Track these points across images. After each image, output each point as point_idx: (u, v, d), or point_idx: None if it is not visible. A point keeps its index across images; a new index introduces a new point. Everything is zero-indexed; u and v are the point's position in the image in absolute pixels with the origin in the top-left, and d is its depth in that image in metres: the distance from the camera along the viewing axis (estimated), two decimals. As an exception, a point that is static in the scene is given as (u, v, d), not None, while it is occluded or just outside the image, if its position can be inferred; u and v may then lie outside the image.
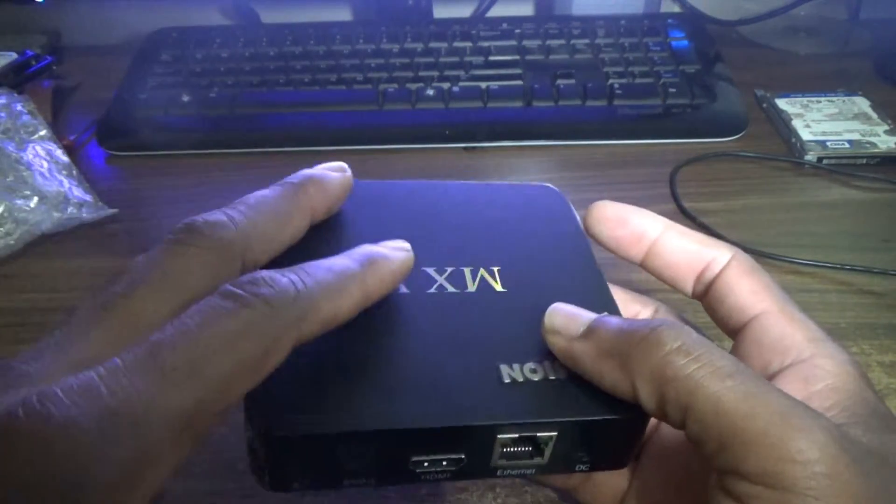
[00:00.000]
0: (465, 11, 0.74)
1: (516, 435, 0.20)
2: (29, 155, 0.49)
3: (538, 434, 0.20)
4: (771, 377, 0.22)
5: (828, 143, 0.52)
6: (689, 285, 0.26)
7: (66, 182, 0.48)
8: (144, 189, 0.52)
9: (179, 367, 0.16)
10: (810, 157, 0.51)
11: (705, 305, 0.26)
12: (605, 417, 0.21)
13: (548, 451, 0.21)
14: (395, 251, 0.22)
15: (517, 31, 0.63)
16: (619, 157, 0.54)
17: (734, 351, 0.24)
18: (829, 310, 0.39)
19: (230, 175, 0.53)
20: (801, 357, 0.21)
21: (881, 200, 0.48)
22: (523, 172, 0.53)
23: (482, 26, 0.64)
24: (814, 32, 0.71)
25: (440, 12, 0.72)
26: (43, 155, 0.49)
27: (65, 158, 0.50)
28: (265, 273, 0.18)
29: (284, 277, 0.18)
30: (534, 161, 0.54)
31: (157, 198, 0.51)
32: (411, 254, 0.22)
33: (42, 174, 0.48)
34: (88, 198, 0.48)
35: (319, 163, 0.25)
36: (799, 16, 0.71)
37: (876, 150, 0.51)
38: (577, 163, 0.53)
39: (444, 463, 0.20)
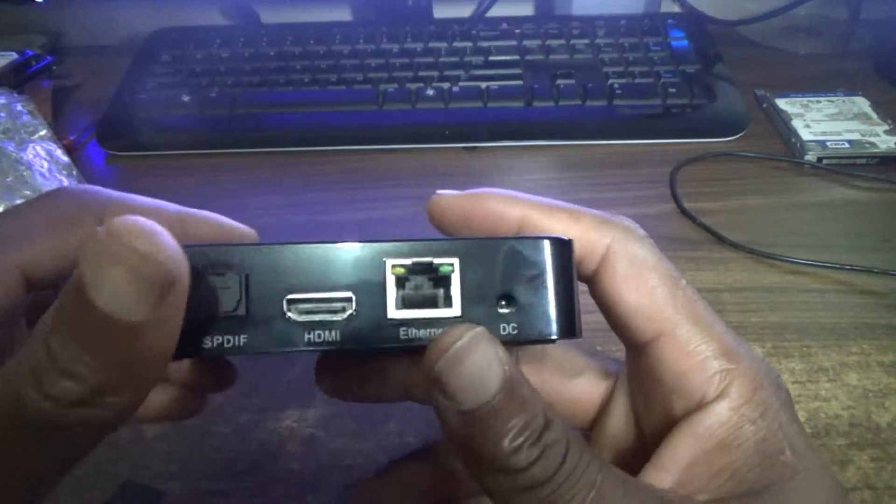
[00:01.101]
0: (465, 11, 0.74)
1: (409, 261, 0.18)
2: (29, 155, 0.49)
3: (436, 262, 0.18)
4: (672, 422, 0.20)
5: (828, 143, 0.52)
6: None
7: (66, 182, 0.48)
8: (144, 189, 0.52)
9: None
10: (810, 157, 0.51)
11: (594, 297, 0.22)
12: (518, 235, 0.18)
13: (455, 293, 0.18)
14: (238, 225, 0.24)
15: (517, 31, 0.63)
16: (619, 157, 0.54)
17: (632, 382, 0.22)
18: (829, 310, 0.39)
19: (230, 175, 0.53)
20: (707, 398, 0.19)
21: (881, 200, 0.48)
22: (523, 172, 0.53)
23: (482, 26, 0.64)
24: (814, 32, 0.71)
25: (440, 12, 0.72)
26: (43, 155, 0.49)
27: (65, 158, 0.50)
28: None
29: (98, 188, 0.22)
30: (534, 161, 0.54)
31: (157, 198, 0.51)
32: (253, 232, 0.24)
33: (42, 174, 0.48)
34: (88, 198, 0.48)
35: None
36: (799, 16, 0.71)
37: (876, 150, 0.51)
38: (577, 163, 0.53)
39: (329, 314, 0.18)
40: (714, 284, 0.41)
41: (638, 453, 0.22)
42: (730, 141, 0.55)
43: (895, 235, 0.45)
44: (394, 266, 0.18)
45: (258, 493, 0.31)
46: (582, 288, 0.20)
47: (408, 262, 0.18)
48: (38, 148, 0.50)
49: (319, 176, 0.53)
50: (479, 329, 0.16)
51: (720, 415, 0.19)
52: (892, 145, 0.51)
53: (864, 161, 0.51)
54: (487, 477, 0.16)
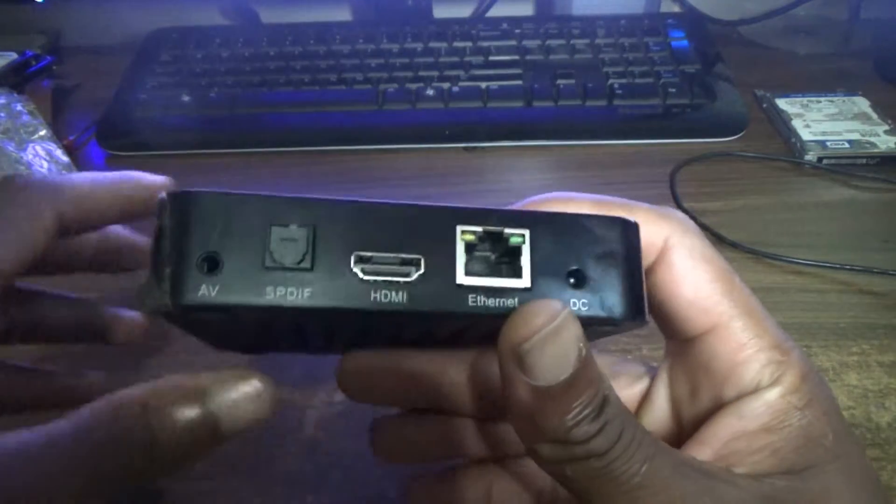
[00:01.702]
0: (465, 11, 0.74)
1: (480, 229, 0.18)
2: (29, 155, 0.49)
3: (507, 232, 0.18)
4: (720, 407, 0.21)
5: (828, 143, 0.52)
6: None
7: (66, 182, 0.48)
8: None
9: None
10: (810, 157, 0.51)
11: None
12: (588, 213, 0.18)
13: (525, 264, 0.18)
14: (158, 177, 0.25)
15: (517, 31, 0.63)
16: (619, 157, 0.54)
17: (676, 374, 0.23)
18: (829, 310, 0.39)
19: (231, 175, 0.53)
20: (761, 385, 0.20)
21: (881, 200, 0.48)
22: (523, 172, 0.53)
23: (482, 26, 0.64)
24: (814, 32, 0.71)
25: (440, 12, 0.72)
26: (43, 155, 0.49)
27: (65, 158, 0.50)
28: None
29: (37, 177, 0.24)
30: (534, 161, 0.54)
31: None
32: (172, 181, 0.25)
33: (42, 174, 0.48)
34: (88, 198, 0.48)
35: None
36: (799, 16, 0.71)
37: (876, 150, 0.51)
38: (577, 163, 0.53)
39: (397, 272, 0.17)
40: (714, 284, 0.41)
41: (674, 446, 0.22)
42: (730, 141, 0.55)
43: (895, 235, 0.45)
44: (464, 232, 0.18)
45: (258, 493, 0.31)
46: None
47: (479, 229, 0.18)
48: (38, 148, 0.50)
49: (319, 176, 0.53)
50: (567, 310, 0.16)
51: (769, 400, 0.20)
52: (892, 145, 0.51)
53: (864, 161, 0.51)
54: (543, 446, 0.17)
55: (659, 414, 0.23)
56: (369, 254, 0.17)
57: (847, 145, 0.52)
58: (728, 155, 0.53)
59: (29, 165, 0.48)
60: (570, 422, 0.16)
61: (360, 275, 0.17)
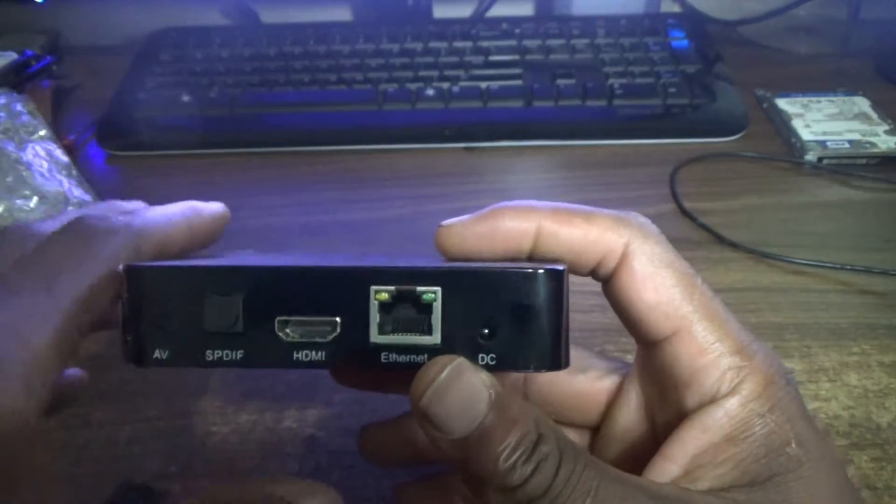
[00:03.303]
0: (465, 11, 0.74)
1: (393, 288, 0.18)
2: (29, 155, 0.49)
3: (419, 290, 0.18)
4: (682, 416, 0.20)
5: (828, 143, 0.52)
6: (587, 271, 0.21)
7: (65, 182, 0.48)
8: (144, 189, 0.52)
9: (29, 287, 0.18)
10: (810, 157, 0.51)
11: (607, 296, 0.22)
12: (506, 267, 0.18)
13: (436, 320, 0.18)
14: (213, 204, 0.25)
15: (517, 31, 0.63)
16: (619, 157, 0.54)
17: (644, 377, 0.23)
18: (829, 310, 0.39)
19: (230, 175, 0.53)
20: (721, 393, 0.20)
21: (881, 200, 0.48)
22: (523, 172, 0.53)
23: (482, 26, 0.64)
24: (814, 32, 0.71)
25: (440, 12, 0.72)
26: (43, 155, 0.49)
27: (65, 158, 0.50)
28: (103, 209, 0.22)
29: (118, 217, 0.21)
30: (534, 161, 0.54)
31: (157, 198, 0.51)
32: (225, 208, 0.25)
33: (42, 174, 0.48)
34: (88, 198, 0.48)
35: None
36: (799, 16, 0.71)
37: (876, 150, 0.51)
38: (577, 163, 0.53)
39: (316, 331, 0.19)
40: (714, 284, 0.41)
41: (649, 444, 0.22)
42: (730, 141, 0.55)
43: (895, 235, 0.45)
44: (377, 292, 0.18)
45: (258, 493, 0.31)
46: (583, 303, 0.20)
47: (391, 289, 0.18)
48: (38, 148, 0.50)
49: (319, 176, 0.53)
50: (459, 360, 0.17)
51: (730, 409, 0.19)
52: (892, 145, 0.51)
53: (864, 161, 0.51)
54: (488, 495, 0.17)
55: (632, 415, 0.23)
56: (290, 318, 0.19)
57: (847, 145, 0.52)
58: (728, 155, 0.53)
59: (29, 166, 0.48)
60: (503, 466, 0.16)
61: (284, 337, 0.19)
